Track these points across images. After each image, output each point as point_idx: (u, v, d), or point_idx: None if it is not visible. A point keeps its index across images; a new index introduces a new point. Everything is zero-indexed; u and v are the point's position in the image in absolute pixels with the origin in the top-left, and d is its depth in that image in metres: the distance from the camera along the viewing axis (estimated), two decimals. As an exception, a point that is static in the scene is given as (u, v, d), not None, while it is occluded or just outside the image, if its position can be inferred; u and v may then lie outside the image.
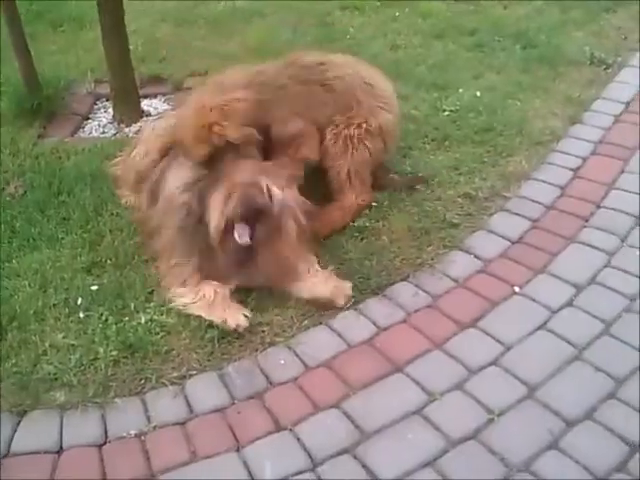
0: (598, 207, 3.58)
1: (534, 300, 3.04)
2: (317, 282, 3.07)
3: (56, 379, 2.72)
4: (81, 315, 2.98)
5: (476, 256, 3.29)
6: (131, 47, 4.29)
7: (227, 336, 2.88)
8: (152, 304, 3.04)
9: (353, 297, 3.05)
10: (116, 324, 2.92)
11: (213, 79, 3.53)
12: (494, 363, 2.76)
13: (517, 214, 3.56)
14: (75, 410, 2.62)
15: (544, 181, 3.80)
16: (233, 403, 2.64)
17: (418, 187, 3.71)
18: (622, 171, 3.84)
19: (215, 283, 3.03)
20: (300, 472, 2.38)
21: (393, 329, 2.93)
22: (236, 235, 2.90)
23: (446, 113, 4.40)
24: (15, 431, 2.54)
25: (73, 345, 2.84)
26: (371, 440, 2.48)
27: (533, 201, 3.64)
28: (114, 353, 2.80)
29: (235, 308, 2.97)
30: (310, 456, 2.43)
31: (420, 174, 3.80)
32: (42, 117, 4.36)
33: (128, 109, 4.41)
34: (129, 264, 3.24)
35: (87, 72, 4.86)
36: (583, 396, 2.61)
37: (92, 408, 2.62)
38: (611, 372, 2.69)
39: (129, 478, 2.38)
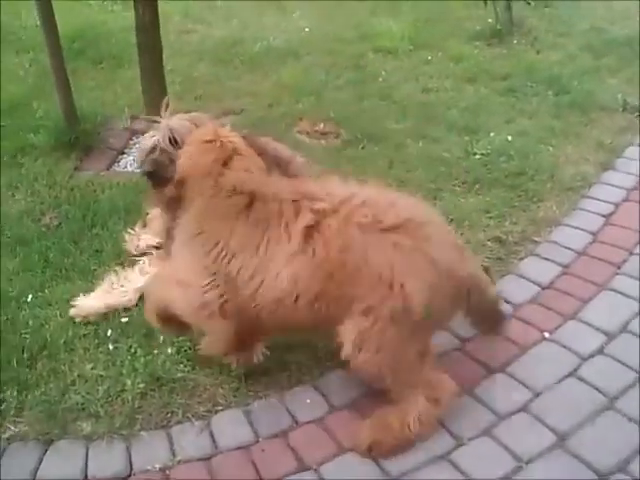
0: (630, 254, 3.55)
1: (564, 346, 3.01)
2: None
3: (83, 409, 2.74)
4: (110, 346, 3.00)
5: (506, 300, 3.26)
6: (168, 85, 4.35)
7: (253, 373, 2.88)
8: (180, 337, 3.04)
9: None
10: (144, 356, 2.94)
11: None
12: (523, 409, 2.73)
13: (548, 259, 3.54)
14: (101, 441, 2.63)
15: (575, 227, 3.78)
16: (258, 441, 2.63)
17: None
18: (655, 218, 3.82)
19: None
20: (324, 512, 2.36)
21: (421, 371, 2.91)
22: None
23: (477, 156, 4.41)
24: (41, 460, 2.56)
25: (101, 376, 2.87)
26: (396, 483, 2.46)
27: (564, 247, 3.62)
28: (141, 385, 2.81)
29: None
30: (334, 497, 2.40)
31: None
32: (79, 150, 4.44)
33: (163, 145, 4.46)
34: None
35: (124, 108, 4.95)
36: (615, 447, 2.56)
37: (118, 440, 2.63)
38: (644, 423, 2.64)
39: (153, 512, 2.38)
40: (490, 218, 3.82)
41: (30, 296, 3.28)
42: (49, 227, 3.79)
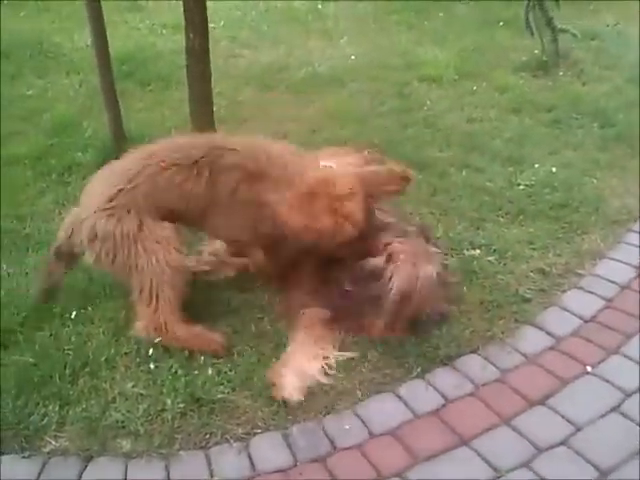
0: (676, 290, 3.50)
1: (607, 381, 2.96)
2: None
3: (123, 427, 2.76)
4: (151, 366, 3.02)
5: (548, 333, 3.24)
6: (214, 108, 4.41)
7: (293, 397, 2.88)
8: (220, 359, 3.06)
9: (419, 367, 3.04)
10: (185, 377, 2.95)
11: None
12: (563, 443, 2.68)
13: (591, 292, 3.51)
14: (140, 459, 2.64)
15: (620, 260, 3.74)
16: (295, 465, 2.62)
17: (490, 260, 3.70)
18: (701, 254, 3.76)
19: None
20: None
21: (461, 401, 2.89)
22: None
23: (521, 187, 4.39)
24: (81, 475, 2.57)
25: (142, 394, 2.88)
26: (434, 513, 2.44)
27: (608, 280, 3.58)
28: (181, 405, 2.82)
29: None
30: (371, 524, 2.39)
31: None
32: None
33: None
34: (200, 318, 3.27)
35: (171, 130, 5.02)
36: (658, 485, 2.52)
37: (157, 458, 2.64)
38: (688, 462, 2.59)
39: (189, 532, 2.39)
40: (534, 249, 3.80)
41: (74, 313, 3.31)
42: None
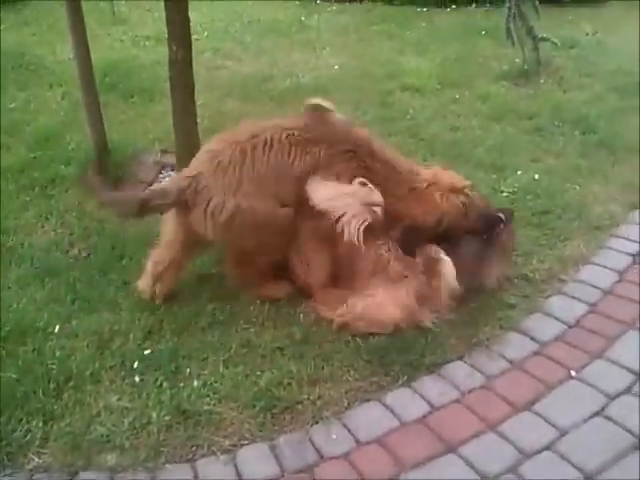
0: (658, 293, 3.53)
1: (591, 385, 2.98)
2: None
3: (108, 441, 2.74)
4: (136, 379, 3.01)
5: (532, 338, 3.26)
6: (198, 119, 4.41)
7: (277, 405, 2.88)
8: (206, 371, 3.06)
9: (406, 375, 3.04)
10: (170, 389, 2.94)
11: None
12: (549, 448, 2.69)
13: (574, 297, 3.53)
14: (125, 473, 2.62)
15: (602, 265, 3.76)
16: (283, 475, 2.61)
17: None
18: (682, 258, 3.80)
19: None
20: None
21: (447, 408, 2.89)
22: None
23: (504, 194, 4.42)
24: (65, 491, 2.56)
25: (127, 408, 2.87)
26: (421, 521, 2.44)
27: (591, 285, 3.61)
28: (167, 418, 2.81)
29: None
30: (359, 534, 2.39)
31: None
32: (109, 183, 4.49)
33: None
34: (186, 330, 3.28)
35: (154, 142, 5.02)
36: (643, 488, 2.52)
37: (143, 472, 2.62)
38: (673, 465, 2.60)
39: None
40: (517, 256, 3.81)
41: (57, 327, 3.30)
42: (78, 258, 3.83)
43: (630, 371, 3.04)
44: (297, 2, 9.61)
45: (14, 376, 2.99)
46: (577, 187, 4.53)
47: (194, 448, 2.72)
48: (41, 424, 2.79)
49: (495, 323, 3.34)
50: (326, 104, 3.49)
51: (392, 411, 2.86)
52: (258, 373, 3.04)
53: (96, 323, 3.33)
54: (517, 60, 6.55)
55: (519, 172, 4.67)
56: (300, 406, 2.89)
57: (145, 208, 3.28)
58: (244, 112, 5.65)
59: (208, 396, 2.92)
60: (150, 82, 6.15)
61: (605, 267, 3.75)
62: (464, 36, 7.76)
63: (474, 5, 9.06)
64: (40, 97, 5.90)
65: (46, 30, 7.69)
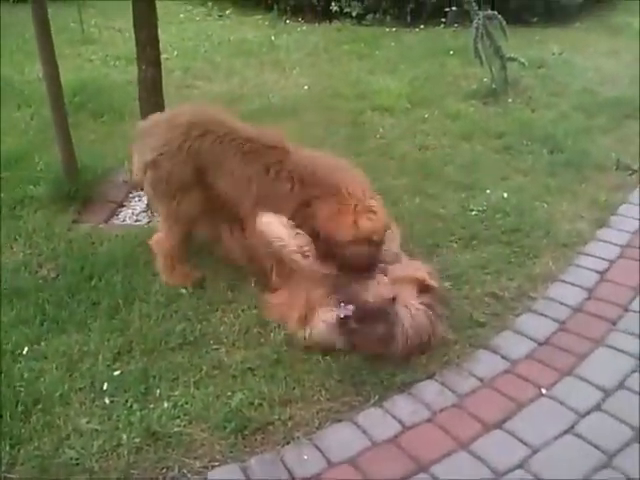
0: (626, 310, 3.56)
1: (561, 403, 2.99)
2: None
3: (77, 464, 2.70)
4: (106, 400, 2.98)
5: (503, 356, 3.27)
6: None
7: (248, 426, 2.86)
8: (177, 392, 3.03)
9: (377, 395, 3.04)
10: (140, 411, 2.91)
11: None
12: (520, 466, 2.69)
13: (544, 315, 3.55)
14: (95, 497, 2.59)
15: (571, 283, 3.80)
16: (254, 497, 2.60)
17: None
18: (650, 275, 3.84)
19: None
20: None
21: (418, 428, 2.89)
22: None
23: (474, 213, 4.45)
24: (34, 516, 2.52)
25: (97, 430, 2.83)
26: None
27: (560, 303, 3.64)
28: (137, 440, 2.78)
29: None
30: None
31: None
32: (78, 203, 4.48)
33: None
34: (156, 350, 3.25)
35: (124, 161, 5.00)
36: (613, 505, 2.54)
37: (112, 496, 2.60)
38: (643, 481, 2.62)
39: None
40: (487, 274, 3.84)
41: (26, 349, 3.26)
42: (46, 279, 3.79)
43: (599, 388, 3.07)
44: (267, 22, 9.67)
45: (-20, 400, 2.95)
46: (545, 205, 4.58)
47: (164, 470, 2.69)
48: (8, 448, 2.75)
49: (465, 341, 3.35)
50: None
51: (364, 431, 2.85)
52: (229, 394, 3.02)
53: (65, 344, 3.29)
54: (485, 79, 6.63)
55: (488, 190, 4.71)
56: (271, 427, 2.88)
57: None
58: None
59: (178, 417, 2.90)
60: (120, 101, 6.13)
61: (574, 284, 3.79)
62: (433, 56, 7.85)
63: (442, 25, 9.16)
64: (9, 117, 5.86)
65: (15, 50, 7.66)
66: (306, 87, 6.83)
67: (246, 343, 3.33)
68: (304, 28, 9.37)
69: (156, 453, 2.75)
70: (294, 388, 3.07)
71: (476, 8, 6.36)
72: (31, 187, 4.61)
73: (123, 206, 4.66)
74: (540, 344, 3.36)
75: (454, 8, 8.56)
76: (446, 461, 2.72)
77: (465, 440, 2.81)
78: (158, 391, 3.03)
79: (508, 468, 2.69)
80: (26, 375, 3.10)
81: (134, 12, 4.00)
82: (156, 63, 4.08)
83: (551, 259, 4.00)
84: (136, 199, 4.73)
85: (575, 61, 7.56)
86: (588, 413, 2.94)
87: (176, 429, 2.84)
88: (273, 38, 8.73)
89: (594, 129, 5.77)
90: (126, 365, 3.18)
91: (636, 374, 3.15)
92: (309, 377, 3.13)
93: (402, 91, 6.55)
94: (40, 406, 2.95)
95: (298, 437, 2.84)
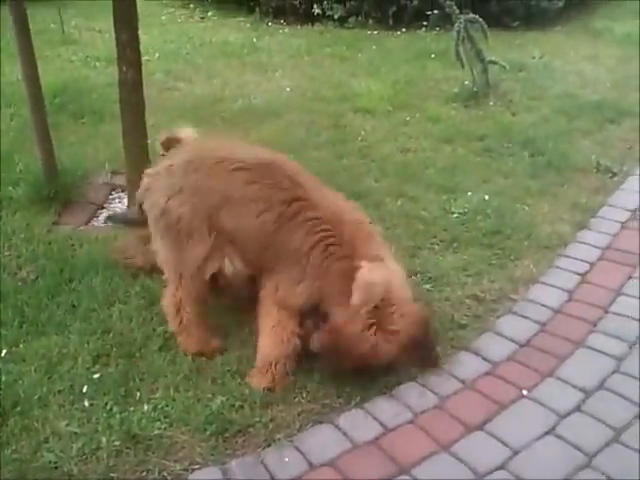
0: (606, 312, 3.58)
1: (542, 404, 3.00)
2: None
3: (56, 468, 2.67)
4: (86, 403, 2.95)
5: (484, 358, 3.28)
6: (149, 140, 4.38)
7: (229, 429, 2.84)
8: (157, 394, 3.01)
9: (358, 396, 3.03)
10: (120, 413, 2.89)
11: None
12: (502, 467, 2.70)
13: (525, 317, 3.56)
14: (74, 501, 2.57)
15: (552, 285, 3.81)
16: (235, 499, 2.58)
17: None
18: (629, 277, 3.86)
19: None
20: None
21: (400, 430, 2.89)
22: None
23: (455, 215, 4.46)
24: (11, 521, 2.49)
25: (76, 433, 2.81)
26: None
27: (541, 305, 3.65)
28: (117, 443, 2.76)
29: None
30: None
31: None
32: (58, 205, 4.44)
33: (143, 200, 4.47)
34: (136, 353, 3.23)
35: (104, 163, 4.97)
36: (593, 505, 2.55)
37: (91, 499, 2.57)
38: (622, 481, 2.63)
39: None
40: (468, 276, 3.85)
41: (4, 351, 3.23)
42: (26, 281, 3.75)
43: (580, 389, 3.08)
44: (249, 25, 9.66)
45: (-43, 403, 2.92)
46: (526, 207, 4.60)
47: (145, 473, 2.67)
48: (-15, 452, 2.72)
49: (447, 343, 3.35)
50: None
51: (345, 433, 2.85)
52: (209, 396, 3.00)
53: (44, 347, 3.26)
54: (467, 82, 6.65)
55: (469, 193, 4.73)
56: (252, 429, 2.87)
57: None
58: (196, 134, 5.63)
59: (159, 420, 2.88)
60: (100, 103, 6.10)
61: (555, 286, 3.81)
62: (414, 59, 7.88)
63: (424, 29, 9.18)
64: (-12, 118, 5.81)
65: (-5, 50, 7.59)
66: (288, 89, 6.82)
67: (226, 346, 3.32)
68: (286, 30, 9.37)
69: (136, 456, 2.72)
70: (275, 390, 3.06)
71: (457, 12, 6.38)
72: (10, 188, 4.57)
73: (103, 208, 4.63)
74: (521, 346, 3.37)
75: (436, 12, 8.62)
76: (427, 463, 2.72)
77: (446, 442, 2.82)
78: (138, 394, 3.01)
79: (489, 469, 2.70)
80: (4, 378, 3.07)
81: (114, 13, 3.97)
82: (137, 65, 4.04)
83: (532, 261, 4.01)
84: (116, 200, 4.71)
85: (555, 65, 7.60)
86: (569, 414, 2.96)
87: (156, 432, 2.82)
88: (255, 40, 8.72)
89: (575, 132, 5.80)
90: (106, 368, 3.16)
91: (616, 375, 3.17)
92: (290, 379, 3.12)
93: (384, 94, 6.56)
94: (18, 409, 2.92)
95: (279, 439, 2.83)
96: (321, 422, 2.91)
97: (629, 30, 8.77)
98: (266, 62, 7.81)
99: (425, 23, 9.19)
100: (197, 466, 2.70)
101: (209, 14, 10.25)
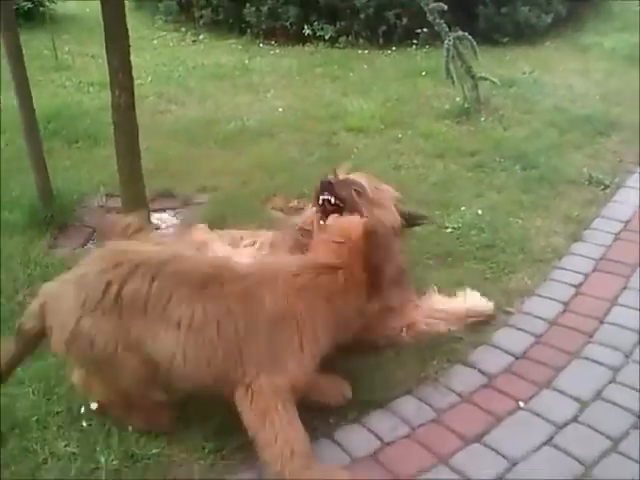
0: (601, 323, 3.60)
1: (539, 415, 3.02)
2: None
3: (55, 489, 2.68)
4: (84, 424, 2.95)
5: (480, 371, 3.29)
6: (143, 163, 4.40)
7: (227, 447, 2.85)
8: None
9: (355, 411, 3.04)
10: (119, 433, 2.89)
11: None
12: (500, 479, 2.71)
13: (521, 329, 3.58)
14: (74, 522, 2.57)
15: (547, 297, 3.84)
16: (235, 517, 2.59)
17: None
18: (624, 287, 3.88)
19: None
20: None
21: (397, 443, 2.89)
22: None
23: (449, 230, 4.48)
24: (11, 543, 2.49)
25: (75, 454, 2.81)
26: None
27: (536, 317, 3.67)
28: (115, 463, 2.76)
29: None
30: None
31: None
32: (54, 228, 4.47)
33: (138, 222, 4.49)
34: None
35: (99, 186, 5.00)
36: (592, 515, 2.56)
37: (91, 520, 2.57)
38: (621, 491, 2.64)
39: None
40: (463, 290, 3.86)
41: (2, 374, 3.23)
42: (22, 304, 3.76)
43: (576, 400, 3.10)
44: (240, 46, 9.73)
45: (-45, 426, 2.91)
46: (520, 221, 4.62)
47: (143, 492, 2.67)
48: (-16, 474, 2.72)
49: (443, 357, 3.36)
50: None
51: (342, 448, 2.86)
52: (207, 414, 3.00)
53: (42, 369, 3.25)
54: (458, 99, 6.70)
55: (463, 208, 4.75)
56: (250, 446, 2.85)
57: None
58: (189, 156, 5.68)
59: (157, 438, 2.88)
60: (94, 127, 6.13)
61: (550, 298, 3.83)
62: (405, 77, 7.93)
63: (414, 47, 9.25)
64: (-18, 144, 5.83)
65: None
66: (280, 109, 6.87)
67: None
68: (277, 51, 9.43)
69: (135, 475, 2.73)
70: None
71: (446, 29, 6.44)
72: (6, 213, 4.59)
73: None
74: (517, 358, 3.39)
75: (425, 30, 8.70)
76: (425, 476, 2.73)
77: (444, 455, 2.82)
78: (136, 413, 3.01)
79: (487, 481, 2.70)
80: (2, 400, 3.06)
81: (106, 38, 4.00)
82: (129, 88, 4.07)
83: (526, 274, 4.03)
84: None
85: (546, 80, 7.66)
86: (566, 425, 2.97)
87: (155, 450, 2.82)
88: (247, 62, 8.78)
89: (566, 145, 5.84)
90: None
91: (612, 385, 3.19)
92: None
93: (375, 112, 6.60)
94: (17, 431, 2.92)
95: (278, 456, 2.82)
96: (318, 437, 2.91)
97: (616, 44, 8.85)
98: (258, 83, 7.87)
99: (415, 41, 9.25)
100: (196, 484, 2.70)
101: (201, 37, 10.31)
